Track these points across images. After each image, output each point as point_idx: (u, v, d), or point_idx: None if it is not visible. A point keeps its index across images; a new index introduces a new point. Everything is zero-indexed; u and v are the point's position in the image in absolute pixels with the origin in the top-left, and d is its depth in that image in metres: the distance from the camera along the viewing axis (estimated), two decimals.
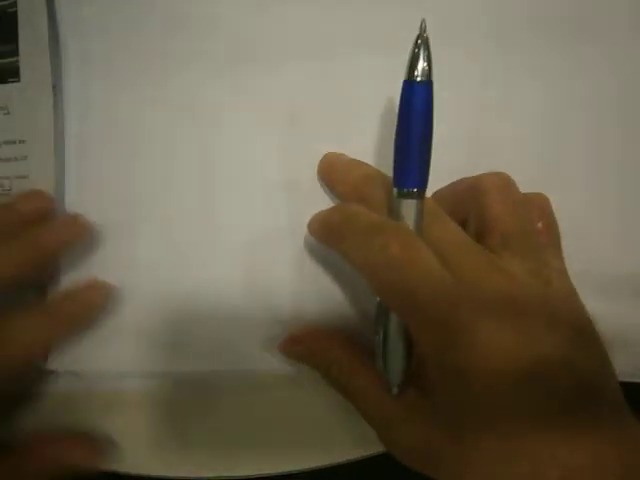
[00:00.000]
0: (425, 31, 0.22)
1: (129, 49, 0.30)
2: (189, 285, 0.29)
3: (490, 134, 0.29)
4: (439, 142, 0.23)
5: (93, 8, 0.30)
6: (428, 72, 0.22)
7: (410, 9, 0.26)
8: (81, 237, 0.28)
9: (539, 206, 0.26)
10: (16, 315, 0.26)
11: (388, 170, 0.25)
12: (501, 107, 0.29)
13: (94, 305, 0.28)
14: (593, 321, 0.23)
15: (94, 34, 0.30)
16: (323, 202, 0.28)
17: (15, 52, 0.29)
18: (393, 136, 0.24)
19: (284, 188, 0.29)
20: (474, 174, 0.26)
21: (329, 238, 0.25)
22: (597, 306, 0.24)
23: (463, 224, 0.25)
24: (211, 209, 0.29)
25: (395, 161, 0.24)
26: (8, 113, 0.30)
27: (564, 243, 0.26)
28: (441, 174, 0.26)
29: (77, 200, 0.29)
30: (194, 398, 0.29)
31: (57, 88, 0.29)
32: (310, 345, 0.27)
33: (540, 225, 0.25)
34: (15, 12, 0.29)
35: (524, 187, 0.26)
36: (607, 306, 0.27)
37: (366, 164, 0.28)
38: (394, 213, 0.24)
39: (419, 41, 0.22)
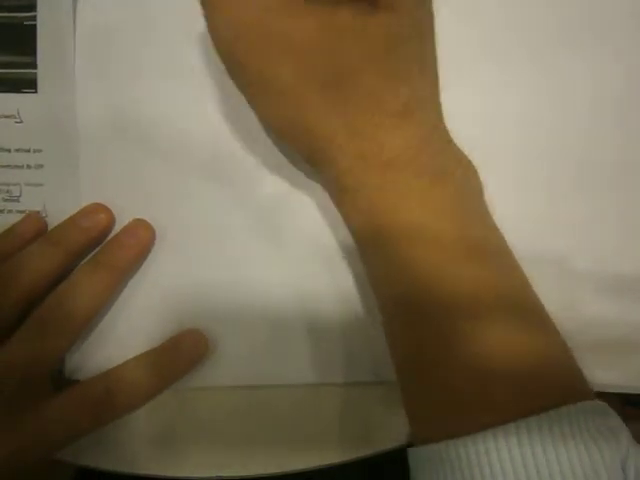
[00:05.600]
0: None
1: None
2: (212, 292, 0.30)
3: (491, 134, 0.30)
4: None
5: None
6: None
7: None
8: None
9: None
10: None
11: None
12: (502, 107, 0.30)
13: None
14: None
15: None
16: None
17: (32, 64, 0.30)
18: None
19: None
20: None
21: None
22: (597, 306, 0.26)
23: None
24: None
25: None
26: (21, 122, 0.31)
27: (564, 244, 0.27)
28: None
29: None
30: (194, 398, 0.30)
31: None
32: None
33: None
34: (34, 25, 0.31)
35: (524, 188, 0.28)
36: (610, 306, 0.28)
37: None
38: None
39: None
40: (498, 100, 0.30)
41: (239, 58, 0.24)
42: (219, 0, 0.23)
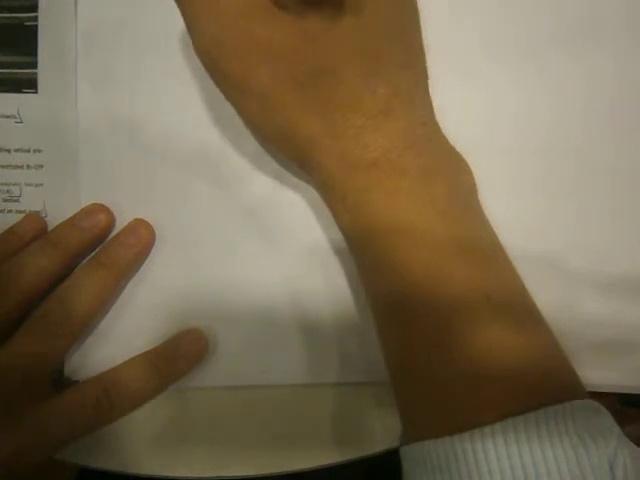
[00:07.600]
0: None
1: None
2: (211, 292, 0.30)
3: (487, 133, 0.30)
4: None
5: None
6: None
7: None
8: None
9: None
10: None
11: None
12: (497, 109, 0.30)
13: None
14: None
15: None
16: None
17: (33, 64, 0.31)
18: None
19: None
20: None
21: None
22: (594, 306, 0.26)
23: None
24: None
25: None
26: (21, 122, 0.31)
27: (561, 244, 0.27)
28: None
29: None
30: (194, 398, 0.30)
31: None
32: None
33: None
34: (35, 26, 0.31)
35: (520, 187, 0.28)
36: (607, 306, 0.28)
37: None
38: None
39: None
40: (494, 99, 0.30)
41: (220, 65, 0.24)
42: (198, 9, 0.24)
